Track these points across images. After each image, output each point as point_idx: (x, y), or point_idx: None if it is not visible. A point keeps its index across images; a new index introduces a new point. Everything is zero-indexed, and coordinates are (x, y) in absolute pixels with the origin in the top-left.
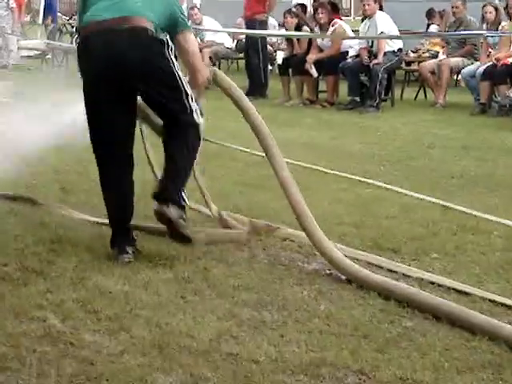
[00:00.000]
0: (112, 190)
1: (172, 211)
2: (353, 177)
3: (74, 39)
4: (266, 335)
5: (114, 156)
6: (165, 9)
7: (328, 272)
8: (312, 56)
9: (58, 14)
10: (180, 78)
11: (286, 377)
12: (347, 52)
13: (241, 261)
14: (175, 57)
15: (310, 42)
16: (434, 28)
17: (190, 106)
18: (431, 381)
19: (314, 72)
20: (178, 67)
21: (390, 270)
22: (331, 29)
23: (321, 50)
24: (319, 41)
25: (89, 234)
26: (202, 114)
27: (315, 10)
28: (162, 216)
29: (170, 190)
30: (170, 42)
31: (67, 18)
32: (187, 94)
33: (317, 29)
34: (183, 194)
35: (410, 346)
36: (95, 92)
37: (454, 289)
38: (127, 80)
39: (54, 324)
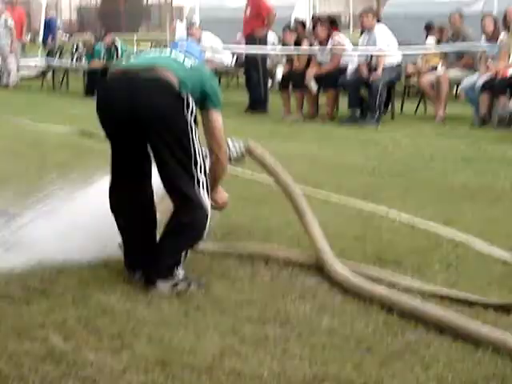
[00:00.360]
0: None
1: (162, 288)
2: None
3: (74, 57)
4: (268, 351)
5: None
6: (198, 80)
7: (330, 286)
8: (312, 71)
9: (59, 32)
10: (193, 142)
11: None
12: (347, 66)
13: (243, 277)
14: (195, 120)
15: (310, 56)
16: (430, 39)
17: (197, 178)
18: None
19: (313, 86)
20: (195, 131)
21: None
22: (330, 42)
23: (320, 65)
24: (319, 56)
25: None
26: (207, 191)
27: (314, 26)
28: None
29: (158, 265)
30: (191, 102)
31: (68, 37)
32: (196, 163)
33: (316, 44)
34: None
35: (414, 358)
36: (108, 129)
37: (454, 299)
38: (138, 126)
39: (56, 343)
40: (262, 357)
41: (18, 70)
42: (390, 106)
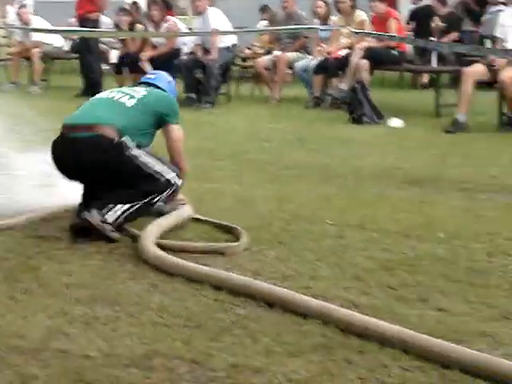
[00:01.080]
0: None
1: (93, 215)
2: None
3: None
4: (98, 331)
5: None
6: (146, 111)
7: None
8: (146, 53)
9: None
10: (147, 164)
11: (118, 370)
12: (181, 49)
13: (73, 258)
14: (138, 146)
15: (145, 39)
16: (262, 24)
17: (165, 177)
18: (263, 365)
19: (148, 69)
20: (143, 155)
21: None
22: (164, 26)
23: (155, 47)
24: (153, 38)
25: None
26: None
27: (149, 8)
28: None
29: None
30: (129, 143)
31: None
32: (156, 172)
33: (150, 26)
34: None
35: (243, 333)
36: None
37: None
38: (89, 179)
39: None
40: (91, 337)
41: None
42: (225, 89)
